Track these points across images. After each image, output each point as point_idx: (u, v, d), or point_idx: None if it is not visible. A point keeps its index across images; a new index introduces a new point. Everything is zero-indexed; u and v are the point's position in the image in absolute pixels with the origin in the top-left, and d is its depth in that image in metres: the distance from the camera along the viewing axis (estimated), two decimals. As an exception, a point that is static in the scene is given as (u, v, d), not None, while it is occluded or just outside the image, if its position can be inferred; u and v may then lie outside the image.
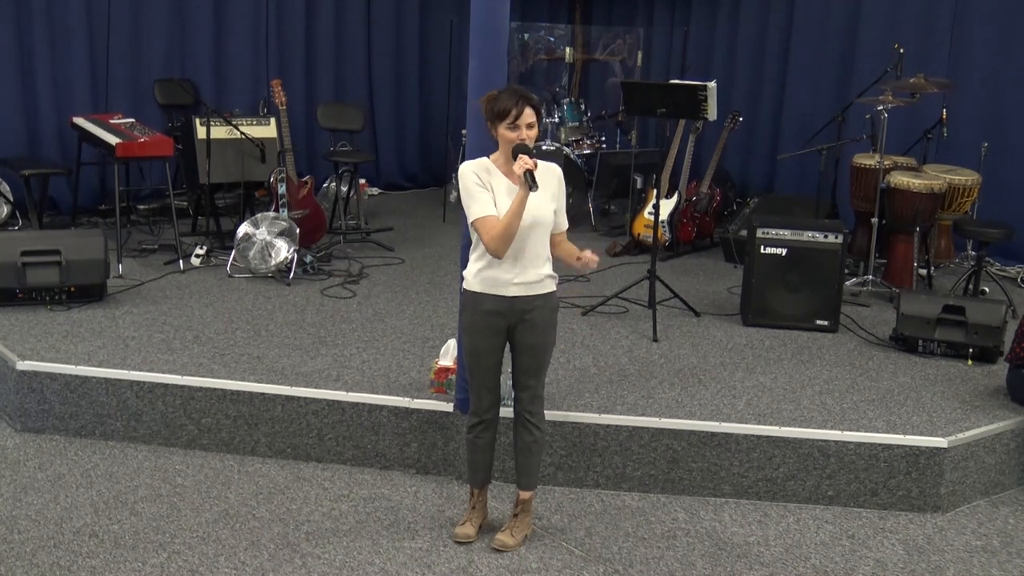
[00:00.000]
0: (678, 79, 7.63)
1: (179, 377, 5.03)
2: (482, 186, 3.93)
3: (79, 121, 7.44)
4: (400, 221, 8.60)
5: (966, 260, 7.52)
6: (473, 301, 4.05)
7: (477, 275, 4.03)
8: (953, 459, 4.69)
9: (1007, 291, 6.70)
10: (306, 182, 7.32)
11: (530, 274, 3.99)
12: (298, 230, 6.83)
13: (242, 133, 7.24)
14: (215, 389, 4.98)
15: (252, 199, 7.76)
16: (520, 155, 3.84)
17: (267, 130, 7.51)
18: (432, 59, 10.25)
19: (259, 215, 6.86)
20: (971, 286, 6.66)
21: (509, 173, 3.96)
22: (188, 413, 5.00)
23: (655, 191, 7.19)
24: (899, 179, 6.79)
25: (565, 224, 4.14)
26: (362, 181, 8.58)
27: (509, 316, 4.01)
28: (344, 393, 4.92)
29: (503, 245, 3.90)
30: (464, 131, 7.75)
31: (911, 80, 6.85)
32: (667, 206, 7.77)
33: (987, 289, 6.82)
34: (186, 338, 5.60)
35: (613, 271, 7.30)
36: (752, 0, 9.26)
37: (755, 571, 4.18)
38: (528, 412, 4.15)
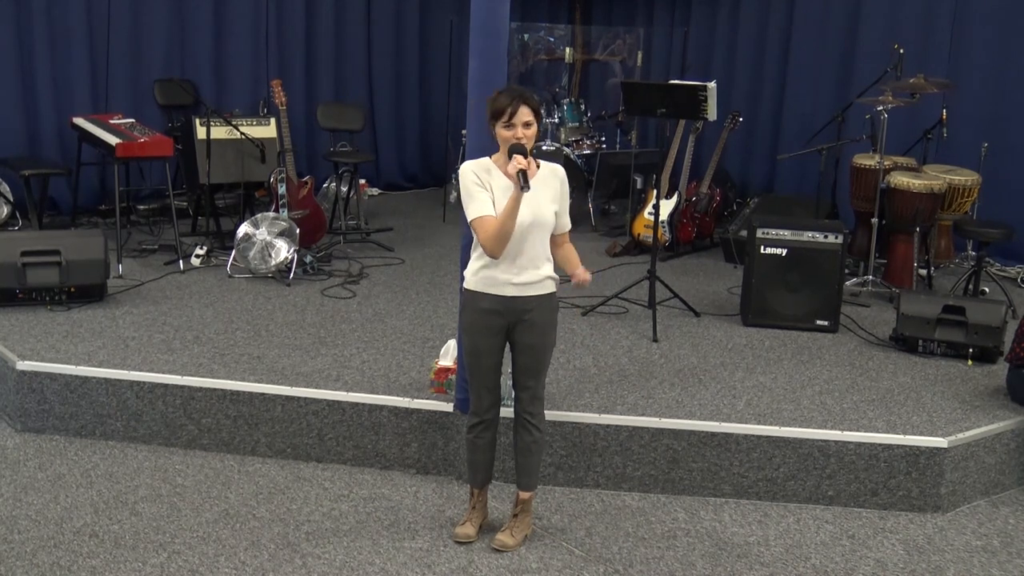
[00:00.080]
0: (678, 79, 7.63)
1: (179, 377, 5.03)
2: (481, 186, 3.93)
3: (79, 121, 7.44)
4: (400, 221, 8.60)
5: (966, 260, 7.52)
6: (472, 300, 4.05)
7: (476, 274, 4.03)
8: (953, 459, 4.69)
9: (1007, 291, 6.71)
10: (306, 182, 7.33)
11: (529, 274, 3.99)
12: (298, 230, 6.83)
13: (242, 133, 7.24)
14: (215, 389, 4.98)
15: (252, 199, 7.76)
16: (515, 155, 3.84)
17: (267, 130, 7.52)
18: (432, 59, 10.25)
19: (259, 215, 6.86)
20: (971, 286, 6.66)
21: (509, 173, 3.96)
22: (188, 413, 5.00)
23: (655, 191, 7.19)
24: (899, 179, 6.79)
25: (568, 225, 4.14)
26: (362, 181, 8.58)
27: (508, 316, 4.01)
28: (344, 393, 4.92)
29: (498, 245, 3.90)
30: (464, 131, 7.76)
31: (911, 80, 6.85)
32: (667, 206, 7.77)
33: (987, 289, 6.82)
34: (186, 338, 5.60)
35: (613, 271, 7.30)
36: (752, 0, 9.26)
37: (755, 571, 4.18)
38: (528, 413, 4.15)
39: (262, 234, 6.78)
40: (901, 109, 6.83)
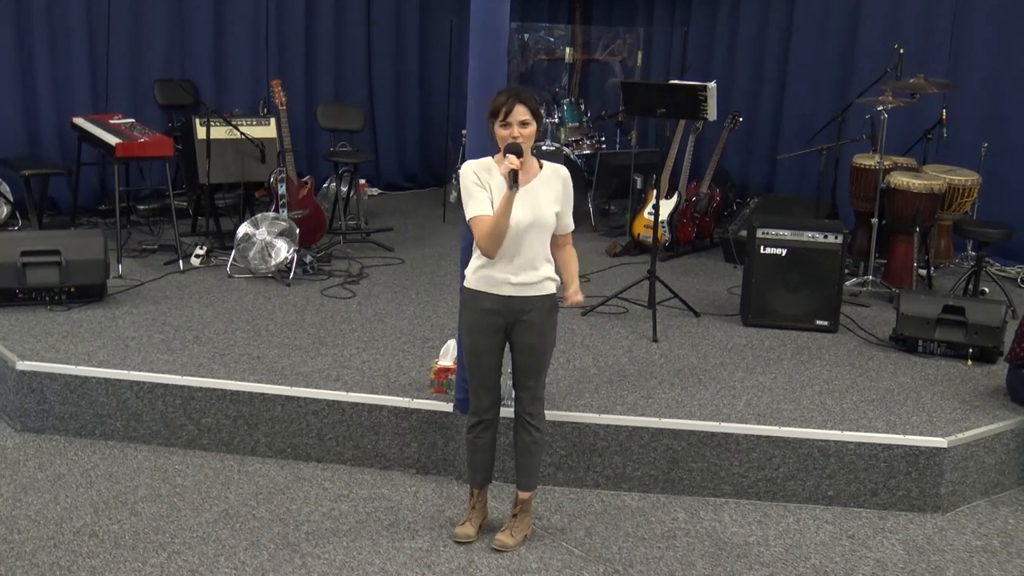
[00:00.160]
0: (678, 79, 7.63)
1: (179, 377, 5.03)
2: (480, 185, 3.93)
3: (79, 121, 7.44)
4: (400, 221, 8.60)
5: (966, 260, 7.52)
6: (472, 299, 4.06)
7: (475, 272, 4.04)
8: (953, 459, 4.69)
9: (1007, 291, 6.71)
10: (306, 182, 7.32)
11: (527, 275, 3.99)
12: (298, 230, 6.83)
13: (242, 133, 7.24)
14: (215, 389, 4.98)
15: (252, 199, 7.76)
16: (508, 155, 3.84)
17: (267, 130, 7.51)
18: (432, 59, 10.25)
19: (259, 215, 6.85)
20: (971, 286, 6.66)
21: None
22: (188, 413, 5.00)
23: (655, 191, 7.18)
24: (899, 179, 6.79)
25: (570, 226, 4.13)
26: (362, 181, 8.58)
27: (507, 315, 4.01)
28: (344, 393, 4.92)
29: (492, 244, 3.91)
30: (464, 131, 7.76)
31: (911, 80, 6.85)
32: (667, 206, 7.77)
33: (987, 289, 6.82)
34: (186, 338, 5.60)
35: (613, 271, 7.30)
36: (752, 0, 9.26)
37: (755, 571, 4.18)
38: (528, 413, 4.15)
39: (262, 234, 6.78)
40: (901, 109, 6.83)
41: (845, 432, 4.70)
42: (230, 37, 8.89)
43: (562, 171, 4.06)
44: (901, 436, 4.69)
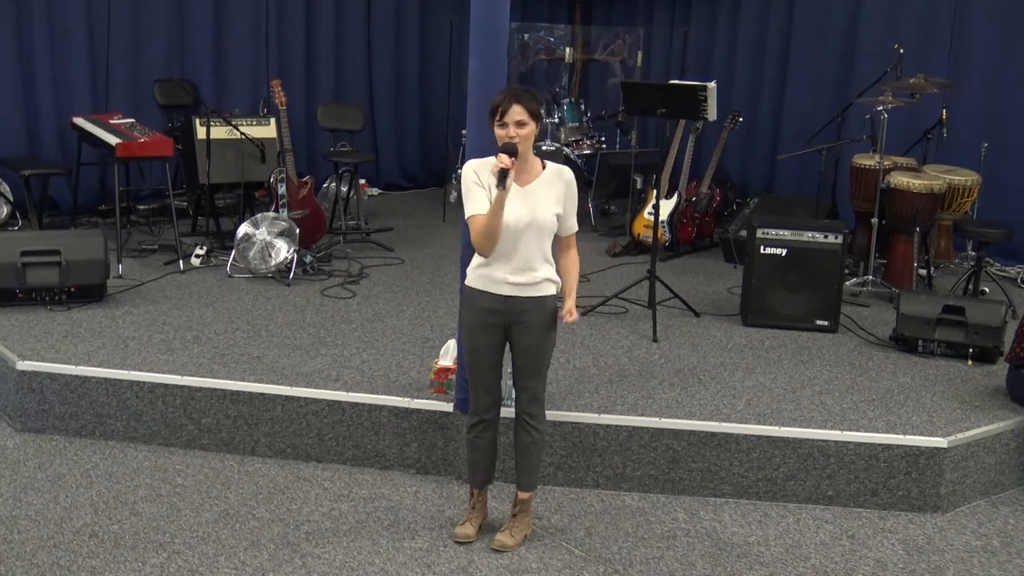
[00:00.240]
0: (678, 79, 7.63)
1: (179, 377, 5.03)
2: (480, 185, 3.93)
3: (79, 121, 7.44)
4: (400, 221, 8.60)
5: (966, 260, 7.52)
6: (471, 298, 4.07)
7: (475, 271, 4.05)
8: (953, 459, 4.69)
9: (1007, 291, 6.71)
10: (306, 182, 7.32)
11: (525, 275, 3.99)
12: (298, 230, 6.83)
13: (242, 133, 7.24)
14: (215, 389, 4.98)
15: (252, 199, 7.76)
16: (500, 154, 3.84)
17: (267, 130, 7.51)
18: (432, 59, 10.25)
19: (259, 215, 6.86)
20: (971, 286, 6.66)
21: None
22: (188, 413, 5.00)
23: (655, 191, 7.19)
24: (899, 179, 6.79)
25: (573, 228, 4.11)
26: (362, 181, 8.58)
27: (505, 315, 4.01)
28: (344, 393, 4.92)
29: (485, 243, 3.91)
30: (464, 131, 7.76)
31: (911, 80, 6.85)
32: (667, 206, 7.77)
33: (987, 289, 6.82)
34: (186, 338, 5.60)
35: (613, 271, 7.30)
36: (752, 0, 9.26)
37: (755, 571, 4.18)
38: (527, 414, 4.15)
39: (262, 234, 6.78)
40: (901, 109, 6.83)
41: (845, 432, 4.70)
42: (230, 37, 8.89)
43: (565, 172, 4.05)
44: (901, 436, 4.69)
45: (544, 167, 4.03)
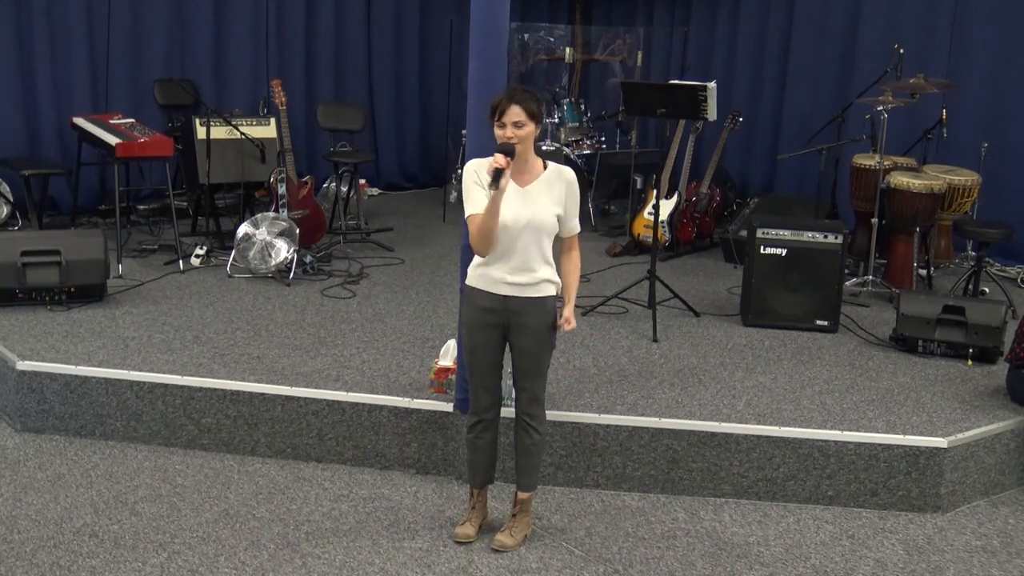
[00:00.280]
0: (678, 79, 7.63)
1: (179, 377, 5.03)
2: (480, 185, 3.94)
3: (79, 121, 7.44)
4: (400, 221, 8.60)
5: (966, 260, 7.52)
6: (471, 296, 4.08)
7: (475, 270, 4.06)
8: (953, 459, 4.69)
9: (1007, 291, 6.71)
10: (306, 182, 7.32)
11: (522, 276, 3.99)
12: (298, 230, 6.83)
13: (242, 133, 7.24)
14: (215, 389, 4.98)
15: (252, 199, 7.76)
16: (496, 153, 3.85)
17: (267, 130, 7.51)
18: (432, 59, 10.25)
19: (259, 215, 6.86)
20: (971, 286, 6.66)
21: (514, 173, 3.97)
22: (188, 413, 5.00)
23: (655, 191, 7.19)
24: (899, 179, 6.79)
25: (575, 229, 4.11)
26: (362, 181, 8.58)
27: (503, 315, 4.02)
28: (344, 393, 4.92)
29: (481, 243, 3.93)
30: (464, 131, 7.76)
31: (911, 80, 6.85)
32: (667, 206, 7.77)
33: (987, 289, 6.82)
34: (186, 338, 5.60)
35: (613, 271, 7.30)
36: (752, 0, 9.26)
37: (755, 571, 4.18)
38: (527, 414, 4.16)
39: (262, 234, 6.78)
40: (901, 109, 6.83)
41: (845, 432, 4.70)
42: (230, 37, 8.89)
43: (567, 173, 4.04)
44: (901, 436, 4.69)
45: (546, 167, 4.03)
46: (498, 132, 3.90)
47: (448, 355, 4.98)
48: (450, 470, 4.83)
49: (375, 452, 4.90)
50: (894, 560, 4.29)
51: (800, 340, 5.98)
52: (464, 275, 4.20)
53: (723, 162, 8.53)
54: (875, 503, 4.70)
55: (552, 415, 4.54)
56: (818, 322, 6.12)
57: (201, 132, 7.17)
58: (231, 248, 6.91)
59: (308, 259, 6.96)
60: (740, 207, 8.47)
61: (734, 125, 8.15)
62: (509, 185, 3.95)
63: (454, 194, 8.98)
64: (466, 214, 3.97)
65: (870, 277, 6.82)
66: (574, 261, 4.17)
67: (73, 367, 5.09)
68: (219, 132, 7.23)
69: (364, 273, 7.05)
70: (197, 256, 7.03)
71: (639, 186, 8.27)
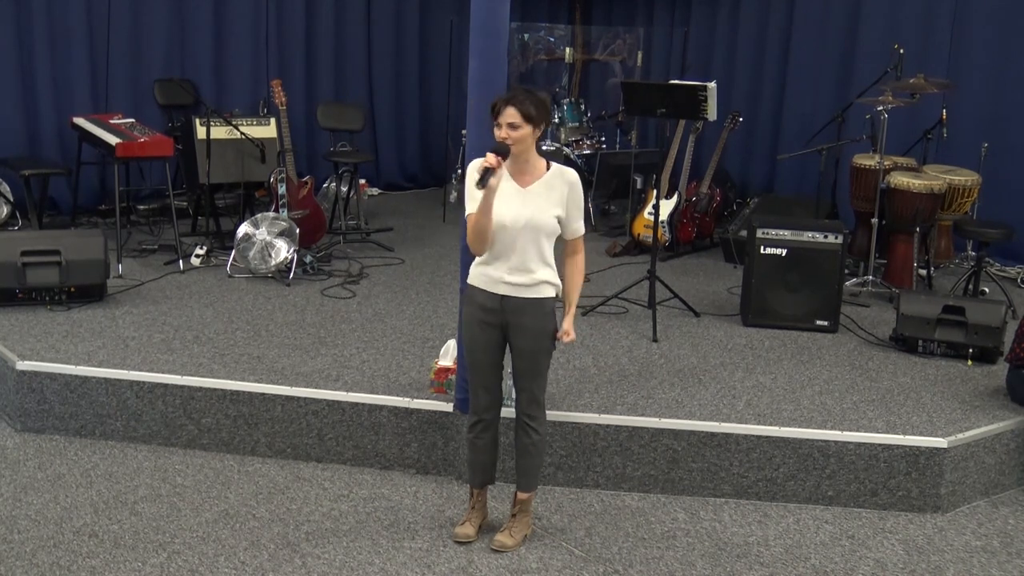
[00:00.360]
0: (678, 79, 7.62)
1: (179, 377, 5.03)
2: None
3: (79, 121, 7.44)
4: (400, 221, 8.60)
5: (966, 260, 7.52)
6: (471, 294, 4.09)
7: (476, 268, 4.08)
8: (953, 459, 4.69)
9: (1007, 291, 6.71)
10: (306, 182, 7.33)
11: (520, 276, 3.99)
12: (298, 230, 6.83)
13: (242, 133, 7.24)
14: (215, 389, 4.98)
15: (252, 199, 7.76)
16: (488, 153, 3.86)
17: (267, 130, 7.52)
18: (432, 59, 10.25)
19: (259, 215, 6.86)
20: (971, 286, 6.66)
21: (514, 173, 3.98)
22: (188, 413, 5.00)
23: (655, 191, 7.19)
24: (899, 179, 6.79)
25: (578, 231, 4.09)
26: (362, 181, 8.58)
27: (502, 315, 4.02)
28: (344, 393, 4.92)
29: (475, 242, 3.95)
30: (464, 131, 7.75)
31: (911, 80, 6.85)
32: (667, 206, 7.77)
33: (987, 289, 6.82)
34: (186, 338, 5.60)
35: (613, 271, 7.30)
36: (752, 0, 9.26)
37: (755, 571, 4.18)
38: (526, 415, 4.16)
39: (262, 234, 6.78)
40: (901, 109, 6.83)
41: (845, 432, 4.70)
42: (230, 37, 8.89)
43: (569, 174, 4.03)
44: (901, 436, 4.69)
45: (549, 168, 4.02)
46: (496, 132, 3.91)
47: (448, 355, 4.98)
48: (450, 470, 4.83)
49: (375, 452, 4.90)
50: (894, 560, 4.29)
51: (800, 340, 5.98)
52: (464, 275, 4.20)
53: (723, 162, 8.53)
54: (875, 503, 4.70)
55: (552, 415, 4.54)
56: (818, 322, 6.12)
57: (201, 132, 7.17)
58: (231, 248, 6.91)
59: (308, 259, 6.96)
60: (740, 207, 8.47)
61: (734, 125, 8.15)
62: (510, 185, 3.96)
63: (454, 194, 8.98)
64: (466, 213, 3.98)
65: (870, 277, 6.82)
66: (576, 265, 4.15)
67: (73, 367, 5.09)
68: (219, 132, 7.24)
69: (364, 273, 7.05)
70: (197, 256, 7.03)
71: (639, 186, 8.27)
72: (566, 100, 9.24)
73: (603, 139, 9.18)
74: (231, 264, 6.89)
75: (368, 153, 8.91)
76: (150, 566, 4.00)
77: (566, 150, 8.59)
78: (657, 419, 4.74)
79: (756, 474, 4.71)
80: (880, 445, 4.67)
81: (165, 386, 5.01)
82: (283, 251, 6.76)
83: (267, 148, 7.35)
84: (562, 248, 4.12)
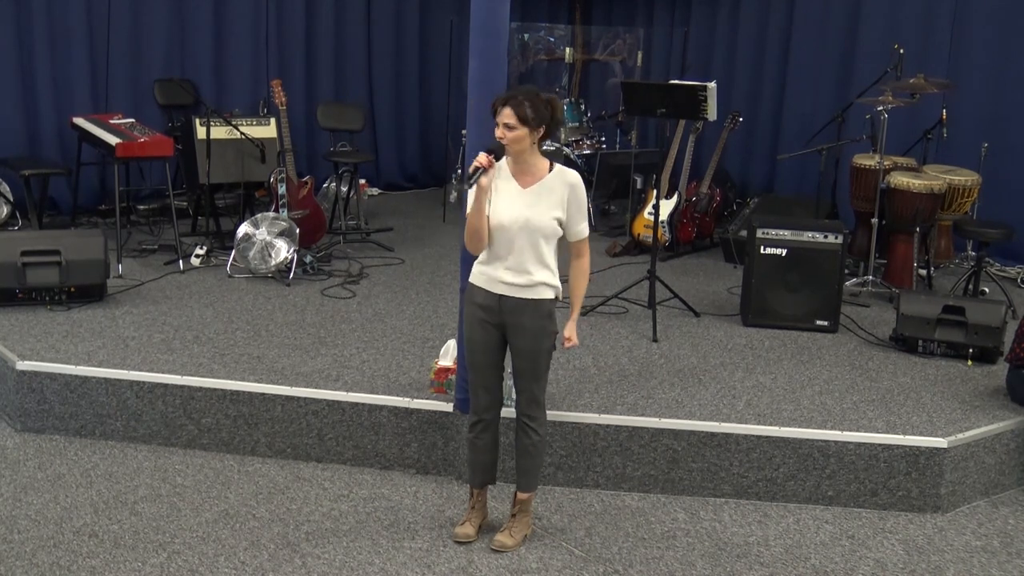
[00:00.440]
0: (678, 79, 7.62)
1: (179, 377, 5.03)
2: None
3: (79, 121, 7.44)
4: (400, 221, 8.60)
5: (966, 260, 7.52)
6: (471, 293, 4.10)
7: (477, 267, 4.09)
8: (953, 459, 4.69)
9: (1007, 291, 6.71)
10: (306, 182, 7.33)
11: (519, 276, 3.99)
12: (298, 230, 6.83)
13: (242, 133, 7.24)
14: (215, 389, 4.98)
15: (252, 199, 7.76)
16: (480, 152, 3.88)
17: (267, 130, 7.51)
18: (432, 59, 10.25)
19: (259, 215, 6.86)
20: (971, 286, 6.66)
21: (516, 174, 3.98)
22: (188, 413, 5.00)
23: (655, 191, 7.19)
24: (899, 179, 6.79)
25: (580, 234, 4.07)
26: (362, 181, 8.58)
27: (500, 314, 4.02)
28: (344, 393, 4.92)
29: (470, 240, 3.98)
30: (464, 131, 7.75)
31: (911, 80, 6.85)
32: (667, 206, 7.77)
33: (987, 289, 6.82)
34: (186, 338, 5.60)
35: (613, 271, 7.30)
36: (752, 0, 9.26)
37: (755, 571, 4.18)
38: (526, 415, 4.16)
39: (262, 234, 6.78)
40: (901, 109, 6.83)
41: (845, 432, 4.70)
42: (230, 37, 8.89)
43: (570, 176, 4.02)
44: (901, 436, 4.69)
45: (551, 169, 4.02)
46: (496, 132, 3.92)
47: (448, 355, 4.98)
48: (450, 470, 4.83)
49: (375, 452, 4.90)
50: (894, 560, 4.29)
51: (800, 340, 5.98)
52: (464, 275, 4.21)
53: (723, 162, 8.53)
54: (875, 503, 4.70)
55: (552, 415, 4.54)
56: (818, 322, 6.12)
57: (201, 132, 7.17)
58: (231, 248, 6.91)
59: (308, 259, 6.96)
60: (740, 207, 8.47)
61: (734, 125, 8.15)
62: (511, 186, 3.97)
63: (454, 194, 8.98)
64: (466, 212, 3.99)
65: (870, 277, 6.82)
66: (580, 269, 4.14)
67: (73, 367, 5.09)
68: (219, 132, 7.24)
69: (364, 273, 7.05)
70: (197, 256, 7.03)
71: (639, 186, 8.27)
72: (566, 100, 9.24)
73: (603, 139, 9.19)
74: (231, 264, 6.89)
75: (368, 153, 8.91)
76: (150, 566, 4.00)
77: (566, 150, 8.59)
78: (657, 419, 4.74)
79: (756, 474, 4.71)
80: (880, 445, 4.67)
81: (165, 386, 5.01)
82: (283, 251, 6.76)
83: (267, 148, 7.35)
84: (568, 251, 4.12)
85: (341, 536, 4.29)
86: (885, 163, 6.80)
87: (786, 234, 6.18)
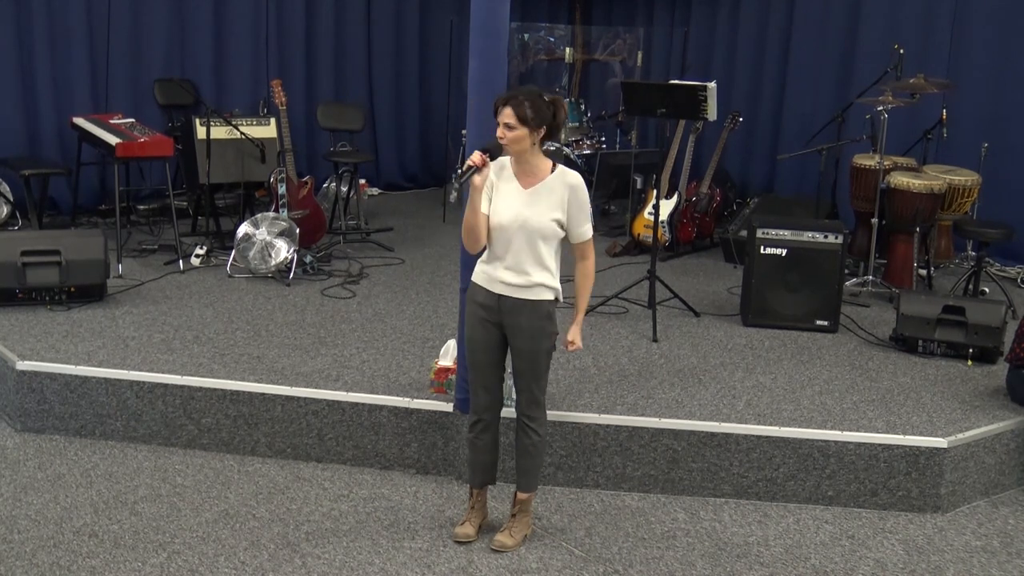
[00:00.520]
0: (678, 79, 7.62)
1: (179, 377, 5.03)
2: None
3: (79, 121, 7.44)
4: (400, 221, 8.60)
5: (966, 260, 7.52)
6: (472, 292, 4.11)
7: (479, 266, 4.10)
8: (953, 459, 4.69)
9: (1007, 291, 6.71)
10: (306, 182, 7.33)
11: (517, 276, 3.99)
12: (298, 230, 6.83)
13: (242, 133, 7.24)
14: (215, 389, 4.98)
15: (252, 199, 7.76)
16: (475, 151, 3.89)
17: (267, 130, 7.51)
18: (432, 59, 10.25)
19: (259, 215, 6.86)
20: (971, 286, 6.66)
21: (518, 174, 3.98)
22: (188, 413, 5.00)
23: (655, 191, 7.18)
24: (899, 179, 6.79)
25: (582, 236, 4.04)
26: (362, 181, 8.58)
27: (499, 314, 4.03)
28: (344, 393, 4.92)
29: (466, 239, 4.00)
30: (464, 131, 7.76)
31: (911, 80, 6.85)
32: (667, 206, 7.77)
33: (987, 289, 6.82)
34: (186, 338, 5.60)
35: (613, 271, 7.30)
36: (752, 0, 9.26)
37: (755, 571, 4.18)
38: (526, 416, 4.16)
39: (262, 234, 6.78)
40: (901, 109, 6.83)
41: (845, 432, 4.70)
42: (230, 37, 8.89)
43: (571, 177, 4.00)
44: (901, 436, 4.69)
45: (553, 170, 4.01)
46: (497, 131, 3.93)
47: (448, 355, 4.98)
48: (450, 470, 4.83)
49: (375, 452, 4.90)
50: (894, 560, 4.29)
51: (800, 340, 5.98)
52: (464, 275, 4.21)
53: (723, 162, 8.53)
54: (875, 503, 4.70)
55: (552, 415, 4.54)
56: (818, 322, 6.12)
57: (201, 132, 7.17)
58: (231, 248, 6.91)
59: (308, 259, 6.96)
60: (740, 207, 8.47)
61: (734, 125, 8.15)
62: (512, 186, 3.97)
63: (454, 194, 8.98)
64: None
65: (870, 277, 6.82)
66: (585, 270, 4.11)
67: (73, 367, 5.09)
68: (219, 132, 7.24)
69: (364, 273, 7.06)
70: (197, 256, 7.03)
71: (639, 186, 8.27)
72: (566, 100, 9.23)
73: (603, 139, 9.19)
74: (231, 264, 6.89)
75: (368, 153, 8.91)
76: (150, 566, 4.00)
77: (566, 150, 8.59)
78: (657, 419, 4.74)
79: (756, 474, 4.71)
80: (880, 445, 4.67)
81: (165, 386, 5.01)
82: (283, 251, 6.76)
83: (267, 148, 7.35)
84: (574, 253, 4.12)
85: (341, 536, 4.29)
86: (885, 163, 6.80)
87: (786, 234, 6.18)
